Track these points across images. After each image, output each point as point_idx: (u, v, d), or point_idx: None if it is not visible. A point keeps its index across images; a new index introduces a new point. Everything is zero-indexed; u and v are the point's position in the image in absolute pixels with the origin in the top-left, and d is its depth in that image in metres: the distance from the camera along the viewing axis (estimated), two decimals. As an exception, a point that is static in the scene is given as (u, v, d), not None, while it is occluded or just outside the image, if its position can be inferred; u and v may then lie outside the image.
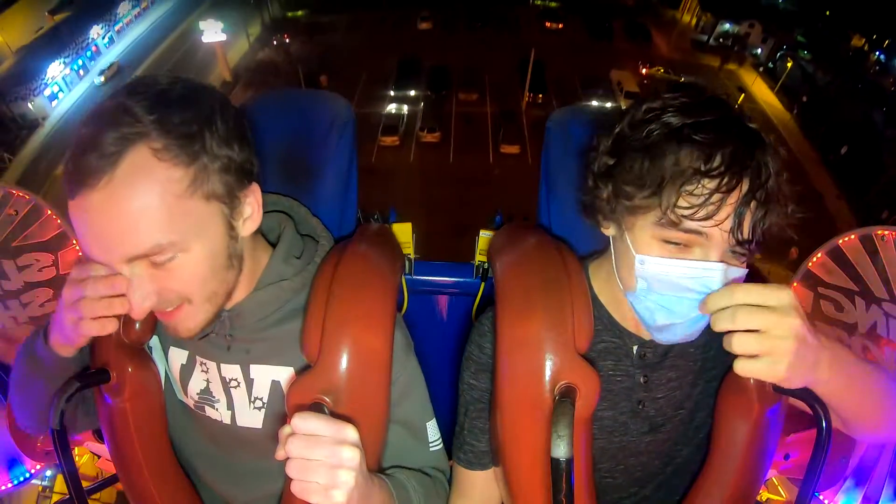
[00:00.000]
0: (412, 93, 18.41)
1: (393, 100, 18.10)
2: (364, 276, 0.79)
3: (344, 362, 0.73)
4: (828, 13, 23.70)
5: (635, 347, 0.83)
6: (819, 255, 1.34)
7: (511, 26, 23.87)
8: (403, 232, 1.19)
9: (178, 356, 0.85)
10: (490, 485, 0.89)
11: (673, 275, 0.68)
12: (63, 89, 18.57)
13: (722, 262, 0.66)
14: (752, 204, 0.64)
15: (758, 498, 0.86)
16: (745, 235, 0.65)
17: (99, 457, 1.48)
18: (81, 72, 19.73)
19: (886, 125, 16.96)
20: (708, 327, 0.74)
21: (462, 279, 1.28)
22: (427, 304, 1.35)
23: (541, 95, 18.13)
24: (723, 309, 0.62)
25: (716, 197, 0.63)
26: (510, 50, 20.73)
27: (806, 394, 0.71)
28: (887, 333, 1.23)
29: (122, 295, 0.67)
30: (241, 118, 0.71)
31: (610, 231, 0.76)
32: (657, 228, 0.68)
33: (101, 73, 19.67)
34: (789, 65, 20.92)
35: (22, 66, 18.57)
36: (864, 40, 22.28)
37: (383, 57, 19.17)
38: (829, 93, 19.38)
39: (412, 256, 1.24)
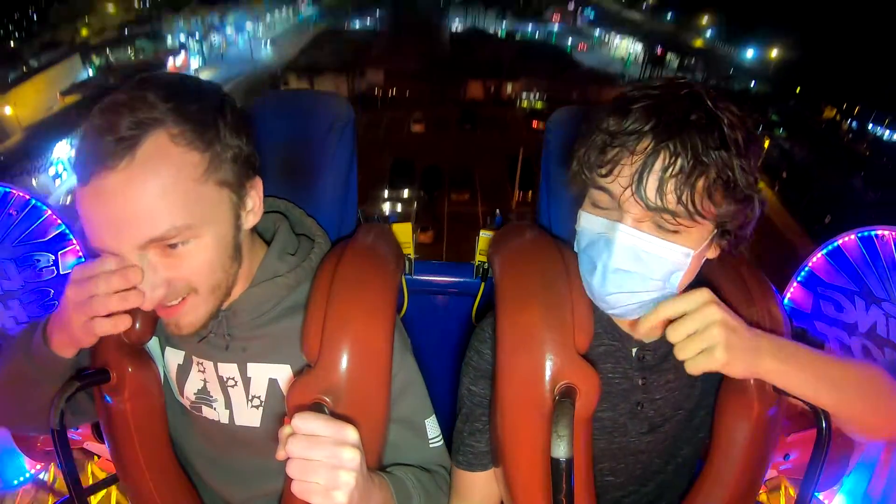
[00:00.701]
0: (405, 193, 19.01)
1: (387, 200, 18.63)
2: (364, 277, 0.79)
3: (344, 362, 0.73)
4: (798, 90, 24.82)
5: (634, 350, 0.83)
6: (819, 255, 1.34)
7: (500, 126, 24.77)
8: (403, 232, 1.19)
9: (175, 357, 0.85)
10: (490, 486, 0.89)
11: (589, 228, 0.73)
12: (67, 170, 18.71)
13: (635, 224, 0.69)
14: (661, 167, 0.64)
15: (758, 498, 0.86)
16: (650, 196, 0.65)
17: (99, 457, 1.48)
18: None
19: (865, 190, 17.60)
20: None
21: (462, 279, 1.28)
22: (427, 304, 1.35)
23: (530, 192, 18.58)
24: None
25: (613, 152, 0.67)
26: (499, 149, 21.37)
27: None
28: (887, 333, 1.23)
29: (135, 287, 0.67)
30: (245, 114, 0.73)
31: (584, 208, 0.78)
32: (589, 192, 0.73)
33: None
34: (766, 144, 21.47)
35: (29, 142, 18.87)
36: (835, 110, 23.17)
37: (378, 157, 19.62)
38: (807, 166, 20.20)
39: (412, 256, 1.24)
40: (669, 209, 0.66)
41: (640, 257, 0.69)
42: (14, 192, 1.35)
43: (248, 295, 0.79)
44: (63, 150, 18.55)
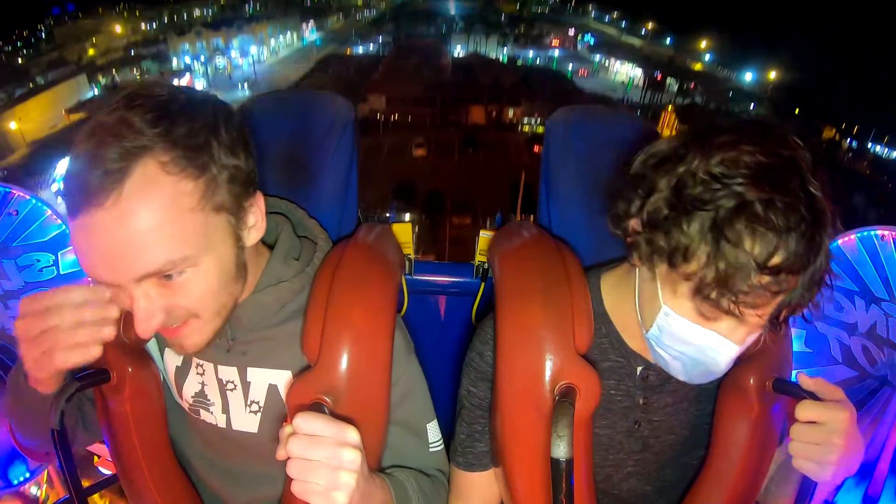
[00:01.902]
0: (407, 217, 18.83)
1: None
2: (364, 276, 0.79)
3: (344, 362, 0.73)
4: (797, 111, 25.07)
5: (639, 369, 0.83)
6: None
7: (501, 151, 24.93)
8: (403, 232, 1.18)
9: (174, 358, 0.85)
10: (489, 486, 0.89)
11: (690, 339, 0.68)
12: None
13: (746, 341, 0.68)
14: (797, 296, 0.64)
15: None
16: (782, 319, 0.66)
17: (99, 457, 1.48)
18: None
19: (867, 208, 17.80)
20: None
21: (462, 279, 1.27)
22: (427, 304, 1.35)
23: (532, 216, 18.31)
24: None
25: (768, 293, 0.61)
26: (500, 173, 21.38)
27: (805, 393, 0.71)
28: (887, 333, 1.23)
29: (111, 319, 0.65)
30: (244, 125, 0.69)
31: (639, 265, 0.73)
32: (697, 298, 0.64)
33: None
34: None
35: (33, 158, 18.97)
36: (834, 130, 23.39)
37: (380, 182, 19.71)
38: None
39: (412, 256, 1.23)
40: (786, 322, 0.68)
41: (740, 351, 0.69)
42: (14, 192, 1.35)
43: (253, 300, 0.78)
44: (65, 167, 18.67)
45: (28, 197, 1.35)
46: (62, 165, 18.34)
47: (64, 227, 1.38)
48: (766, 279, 0.60)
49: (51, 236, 1.37)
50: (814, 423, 0.69)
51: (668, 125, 28.00)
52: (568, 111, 1.08)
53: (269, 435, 0.82)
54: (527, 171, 17.91)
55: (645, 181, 0.68)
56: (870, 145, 21.63)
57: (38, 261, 1.36)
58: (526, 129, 28.91)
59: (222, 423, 0.84)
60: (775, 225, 0.58)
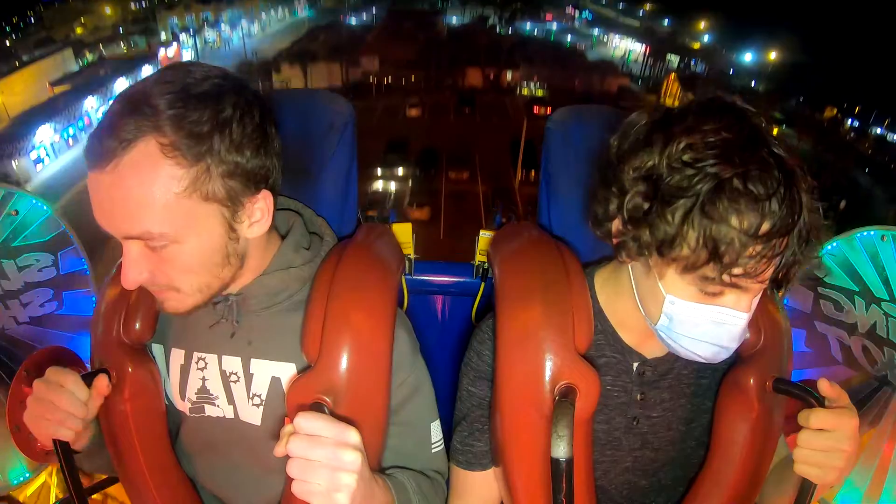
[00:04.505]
0: (400, 171, 18.23)
1: (379, 178, 17.90)
2: (364, 276, 0.79)
3: (344, 362, 0.73)
4: (801, 98, 25.15)
5: (636, 364, 0.83)
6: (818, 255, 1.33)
7: (499, 112, 24.16)
8: (403, 232, 1.19)
9: (177, 357, 0.85)
10: (489, 486, 0.89)
11: (699, 319, 0.69)
12: (50, 155, 18.42)
13: (752, 307, 0.68)
14: (790, 255, 0.64)
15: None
16: (780, 278, 0.66)
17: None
18: (71, 141, 19.61)
19: (872, 186, 17.86)
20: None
21: (462, 279, 1.27)
22: (427, 304, 1.35)
23: (533, 172, 17.79)
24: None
25: (764, 260, 0.62)
26: (499, 134, 20.63)
27: (805, 393, 0.71)
28: (887, 333, 1.23)
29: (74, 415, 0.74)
30: (266, 123, 0.72)
31: (630, 262, 0.74)
32: (695, 280, 0.66)
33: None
34: (775, 131, 21.58)
35: (14, 127, 18.88)
36: (835, 110, 23.46)
37: (371, 141, 19.08)
38: (815, 157, 20.43)
39: (412, 256, 1.23)
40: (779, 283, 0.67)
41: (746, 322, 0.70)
42: (15, 192, 1.34)
43: (261, 281, 0.79)
44: (46, 134, 18.27)
45: (28, 197, 1.35)
46: (42, 132, 18.06)
47: (64, 227, 1.38)
48: (758, 248, 0.61)
49: (51, 236, 1.37)
50: (821, 429, 0.69)
51: (672, 94, 27.08)
52: (568, 111, 1.08)
53: (271, 428, 0.82)
54: (528, 134, 17.39)
55: (617, 180, 0.69)
56: (871, 127, 21.66)
57: (38, 261, 1.36)
58: (525, 91, 28.11)
59: (230, 415, 0.84)
60: (756, 195, 0.60)
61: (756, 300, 0.69)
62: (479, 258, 1.22)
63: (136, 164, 0.63)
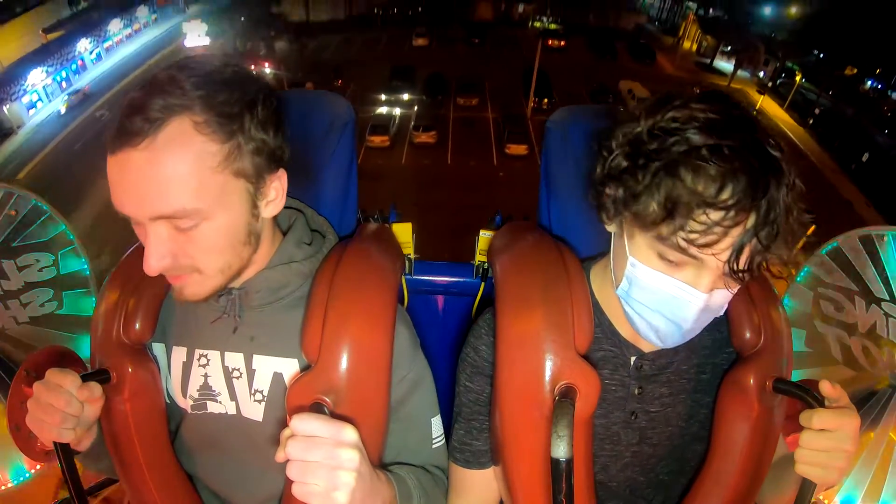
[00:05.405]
0: (405, 96, 17.75)
1: (384, 103, 17.45)
2: (364, 276, 0.79)
3: (344, 362, 0.73)
4: (819, 54, 24.52)
5: (633, 358, 0.83)
6: (819, 254, 1.33)
7: (510, 44, 23.37)
8: (403, 232, 1.19)
9: (179, 355, 0.85)
10: (488, 484, 0.89)
11: (656, 287, 0.70)
12: (42, 99, 18.03)
13: (711, 289, 0.68)
14: (754, 240, 0.64)
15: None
16: (741, 266, 0.65)
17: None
18: (64, 84, 19.23)
19: (890, 148, 17.45)
20: (702, 347, 0.81)
21: (462, 279, 1.27)
22: (427, 304, 1.35)
23: (546, 100, 17.52)
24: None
25: (718, 229, 0.62)
26: (511, 64, 20.08)
27: (806, 393, 0.71)
28: (887, 333, 1.23)
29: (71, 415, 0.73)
30: (280, 107, 0.75)
31: (612, 227, 0.76)
32: (656, 242, 0.67)
33: (67, 98, 18.51)
34: (798, 78, 21.46)
35: (5, 73, 18.47)
36: (855, 70, 23.01)
37: (375, 68, 18.70)
38: (835, 111, 20.16)
39: (412, 256, 1.23)
40: (749, 274, 0.66)
41: (709, 308, 0.70)
42: (15, 192, 1.34)
43: (263, 276, 0.80)
44: (38, 77, 17.76)
45: (28, 197, 1.35)
46: (34, 76, 17.64)
47: (64, 226, 1.38)
48: (714, 215, 0.62)
49: (51, 236, 1.37)
50: (823, 430, 0.69)
51: (690, 36, 26.28)
52: (568, 111, 1.08)
53: (273, 425, 0.83)
54: (541, 65, 16.88)
55: (607, 149, 0.72)
56: (892, 91, 21.38)
57: (38, 261, 1.36)
58: (538, 24, 27.32)
59: (232, 410, 0.84)
60: (720, 165, 0.61)
61: (720, 293, 0.69)
62: (479, 258, 1.22)
63: (172, 141, 0.64)
